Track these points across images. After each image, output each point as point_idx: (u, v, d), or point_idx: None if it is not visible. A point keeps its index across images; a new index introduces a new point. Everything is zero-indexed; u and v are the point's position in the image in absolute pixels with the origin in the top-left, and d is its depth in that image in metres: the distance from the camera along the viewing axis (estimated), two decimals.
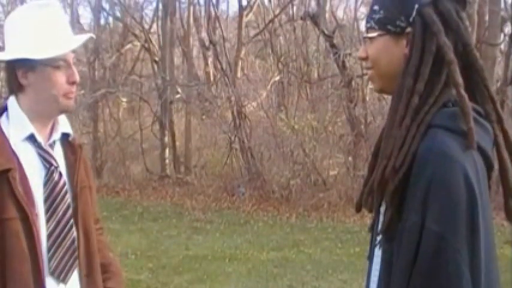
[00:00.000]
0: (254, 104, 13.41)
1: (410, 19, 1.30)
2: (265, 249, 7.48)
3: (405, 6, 1.31)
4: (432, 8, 1.29)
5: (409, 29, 1.31)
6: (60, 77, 1.72)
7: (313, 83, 13.70)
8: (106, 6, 17.46)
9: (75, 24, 17.12)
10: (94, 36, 1.84)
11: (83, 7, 34.63)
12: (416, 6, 1.30)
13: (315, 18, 12.58)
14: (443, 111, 1.27)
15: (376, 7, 1.36)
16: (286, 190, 10.57)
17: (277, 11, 15.12)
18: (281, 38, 15.25)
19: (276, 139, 11.44)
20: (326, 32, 12.26)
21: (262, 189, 10.91)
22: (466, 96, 1.25)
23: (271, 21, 14.70)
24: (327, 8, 14.10)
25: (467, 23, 1.32)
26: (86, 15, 49.62)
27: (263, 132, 12.03)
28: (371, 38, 1.38)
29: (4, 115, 1.75)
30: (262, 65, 17.01)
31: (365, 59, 1.41)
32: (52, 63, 1.71)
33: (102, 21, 18.02)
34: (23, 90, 1.73)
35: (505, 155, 1.32)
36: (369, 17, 1.40)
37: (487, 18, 11.00)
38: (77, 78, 1.76)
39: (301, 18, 13.86)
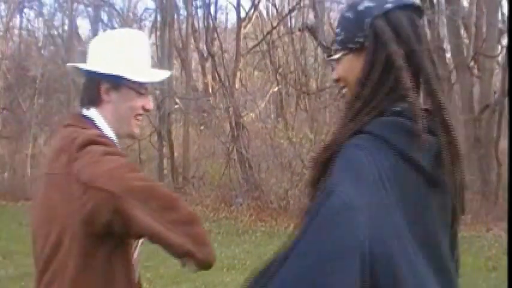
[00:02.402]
0: (252, 115, 13.44)
1: (365, 33, 1.34)
2: (263, 259, 7.41)
3: (360, 22, 1.34)
4: (383, 19, 1.32)
5: (367, 43, 1.35)
6: (139, 103, 1.74)
7: (312, 94, 13.74)
8: (104, 17, 17.53)
9: (74, 35, 17.20)
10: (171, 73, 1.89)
11: (81, 18, 34.69)
12: (369, 19, 1.33)
13: (313, 30, 12.66)
14: (380, 118, 1.25)
15: (338, 30, 1.40)
16: (284, 201, 10.57)
17: (275, 23, 15.21)
18: (279, 49, 15.32)
19: (274, 150, 11.46)
20: (324, 43, 12.32)
21: (260, 199, 10.90)
22: (416, 99, 1.23)
23: (270, 32, 14.78)
24: (325, 19, 14.19)
25: (424, 30, 1.34)
26: (84, 26, 49.71)
27: (261, 143, 12.04)
28: (338, 60, 1.41)
29: (90, 124, 1.69)
30: (260, 76, 17.09)
31: (338, 80, 1.44)
32: (137, 89, 1.72)
33: (100, 33, 18.08)
34: (101, 106, 1.71)
35: (450, 168, 1.24)
36: (334, 41, 1.45)
37: (484, 30, 11.08)
38: (152, 106, 1.79)
39: (299, 30, 13.96)
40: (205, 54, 16.09)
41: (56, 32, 18.02)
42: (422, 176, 1.21)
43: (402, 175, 1.18)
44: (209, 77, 16.39)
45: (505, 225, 8.94)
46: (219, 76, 13.67)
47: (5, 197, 12.54)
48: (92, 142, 1.53)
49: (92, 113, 1.71)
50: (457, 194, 1.25)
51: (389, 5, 1.33)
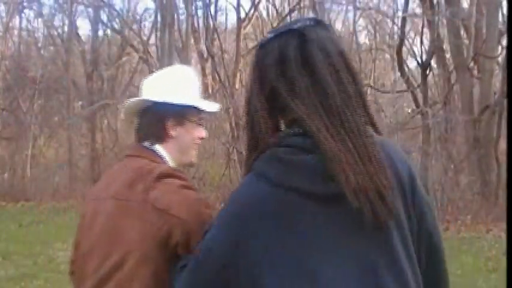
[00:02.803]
0: None
1: None
2: None
3: None
4: (256, 52, 1.37)
5: None
6: (197, 133, 1.85)
7: None
8: (104, 18, 17.52)
9: (73, 36, 17.19)
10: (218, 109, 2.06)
11: (81, 19, 34.73)
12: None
13: None
14: (261, 155, 1.32)
15: None
16: None
17: (275, 24, 15.20)
18: None
19: None
20: None
21: None
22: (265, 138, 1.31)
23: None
24: (325, 20, 14.18)
25: (303, 52, 1.31)
26: (84, 27, 49.79)
27: None
28: None
29: (158, 158, 1.79)
30: None
31: None
32: (197, 120, 1.83)
33: (101, 33, 18.09)
34: (165, 142, 1.80)
35: (342, 179, 1.25)
36: None
37: (484, 31, 11.07)
38: (206, 134, 1.91)
39: None
40: (205, 55, 16.10)
41: (55, 33, 18.02)
42: (304, 196, 1.25)
43: (278, 201, 1.26)
44: (209, 77, 16.38)
45: (504, 225, 8.95)
46: (219, 77, 13.67)
47: (5, 197, 12.53)
48: (169, 175, 1.66)
49: (156, 148, 1.80)
50: (362, 202, 1.22)
51: (265, 38, 1.37)
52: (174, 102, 1.77)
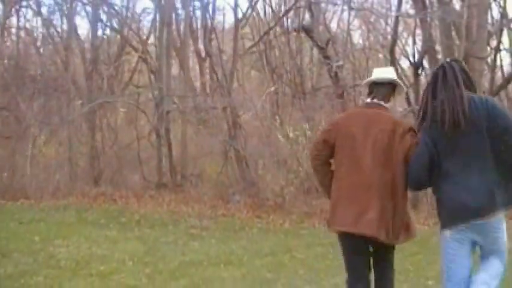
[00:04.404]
0: (249, 114, 13.64)
1: None
2: (259, 255, 7.56)
3: None
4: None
5: None
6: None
7: (307, 94, 13.94)
8: (103, 17, 17.62)
9: (72, 34, 17.32)
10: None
11: (80, 18, 34.73)
12: None
13: (308, 31, 12.87)
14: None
15: None
16: (280, 198, 10.75)
17: (272, 23, 15.38)
18: (276, 49, 15.50)
19: (271, 148, 11.64)
20: (319, 43, 12.54)
21: (256, 196, 11.08)
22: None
23: (266, 33, 14.95)
24: (321, 20, 14.39)
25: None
26: (83, 26, 49.81)
27: (258, 141, 12.21)
28: None
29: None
30: (257, 76, 17.28)
31: None
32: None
33: (100, 32, 18.18)
34: (388, 102, 3.67)
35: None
36: None
37: (474, 31, 11.27)
38: None
39: (295, 31, 14.15)
40: (203, 54, 16.26)
41: (54, 32, 18.07)
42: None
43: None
44: (207, 76, 16.56)
45: None
46: (217, 76, 13.84)
47: (4, 196, 12.51)
48: (413, 130, 3.45)
49: (386, 105, 3.62)
50: None
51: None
52: (400, 83, 3.74)
